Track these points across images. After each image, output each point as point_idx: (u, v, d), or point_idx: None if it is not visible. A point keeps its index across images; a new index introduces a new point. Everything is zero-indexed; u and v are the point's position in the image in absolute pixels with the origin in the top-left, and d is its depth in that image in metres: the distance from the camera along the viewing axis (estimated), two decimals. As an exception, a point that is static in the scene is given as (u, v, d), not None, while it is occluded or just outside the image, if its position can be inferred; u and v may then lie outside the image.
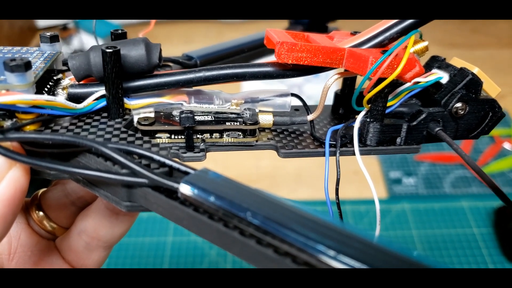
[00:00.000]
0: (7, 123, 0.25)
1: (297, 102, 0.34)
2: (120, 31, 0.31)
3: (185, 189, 0.22)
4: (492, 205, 0.79)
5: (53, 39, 0.31)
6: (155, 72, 0.30)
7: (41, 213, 0.35)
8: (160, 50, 0.29)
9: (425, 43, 0.32)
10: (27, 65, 0.25)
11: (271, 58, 0.31)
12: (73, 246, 0.35)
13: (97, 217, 0.34)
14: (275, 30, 0.31)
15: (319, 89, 0.99)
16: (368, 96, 0.29)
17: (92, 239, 0.35)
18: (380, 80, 0.28)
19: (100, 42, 0.36)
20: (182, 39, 1.30)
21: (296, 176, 0.89)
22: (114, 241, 0.36)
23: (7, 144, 0.24)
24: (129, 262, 0.72)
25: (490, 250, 0.73)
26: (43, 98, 0.26)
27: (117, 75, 0.27)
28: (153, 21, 0.41)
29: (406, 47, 0.28)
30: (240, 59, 0.43)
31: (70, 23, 1.19)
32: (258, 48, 0.45)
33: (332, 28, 0.52)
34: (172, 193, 0.23)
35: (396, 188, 0.85)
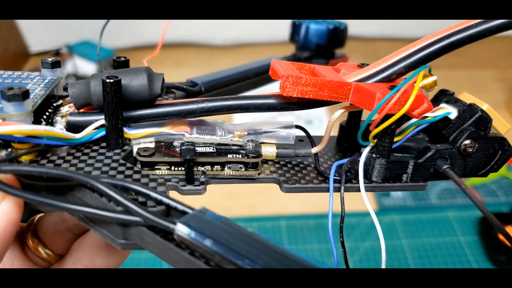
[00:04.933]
0: (1, 153, 0.25)
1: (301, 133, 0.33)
2: (123, 59, 0.31)
3: (180, 231, 0.21)
4: (476, 214, 0.84)
5: (55, 64, 0.30)
6: (158, 101, 0.30)
7: (36, 240, 0.34)
8: (163, 80, 0.28)
9: (433, 78, 0.31)
10: (25, 95, 0.24)
11: (277, 85, 0.30)
12: None
13: (93, 246, 0.34)
14: (280, 62, 0.31)
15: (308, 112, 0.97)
16: (374, 132, 0.28)
17: (87, 268, 0.34)
18: (388, 116, 0.27)
19: (94, 67, 0.36)
20: (174, 63, 1.33)
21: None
22: (110, 271, 0.35)
23: (0, 176, 0.23)
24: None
25: (476, 256, 0.78)
26: (40, 128, 0.25)
27: (117, 105, 0.27)
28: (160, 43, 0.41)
29: (414, 83, 0.28)
30: (246, 85, 0.43)
31: (63, 48, 1.19)
32: (263, 74, 0.44)
33: (339, 55, 0.51)
34: (168, 234, 0.22)
35: (385, 200, 0.89)
